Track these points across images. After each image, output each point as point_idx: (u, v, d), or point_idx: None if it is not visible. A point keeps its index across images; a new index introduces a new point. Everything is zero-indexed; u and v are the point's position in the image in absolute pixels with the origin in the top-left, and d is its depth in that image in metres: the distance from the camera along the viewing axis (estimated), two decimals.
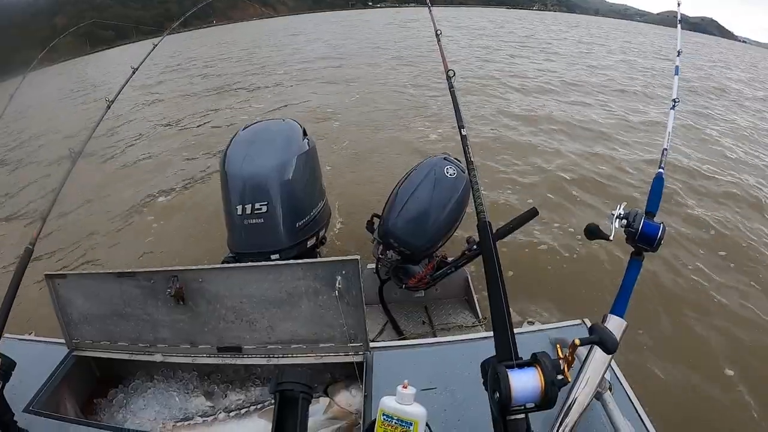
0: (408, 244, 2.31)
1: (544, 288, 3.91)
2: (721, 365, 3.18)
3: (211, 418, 1.60)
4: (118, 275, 1.62)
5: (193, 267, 1.56)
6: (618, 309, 1.24)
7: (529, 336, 1.58)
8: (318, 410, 1.52)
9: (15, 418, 1.28)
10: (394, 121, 8.97)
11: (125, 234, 5.43)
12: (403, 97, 11.04)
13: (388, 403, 0.99)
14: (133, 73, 2.30)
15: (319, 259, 1.49)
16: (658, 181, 1.39)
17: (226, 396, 1.70)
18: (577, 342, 0.84)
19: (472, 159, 1.23)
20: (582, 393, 1.15)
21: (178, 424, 1.59)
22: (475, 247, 2.26)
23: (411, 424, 0.98)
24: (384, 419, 0.99)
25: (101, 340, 1.72)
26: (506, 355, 0.87)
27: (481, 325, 2.53)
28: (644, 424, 1.30)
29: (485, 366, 0.90)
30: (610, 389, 1.27)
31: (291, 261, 1.53)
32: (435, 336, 2.47)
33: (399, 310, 2.70)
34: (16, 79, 2.83)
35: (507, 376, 0.80)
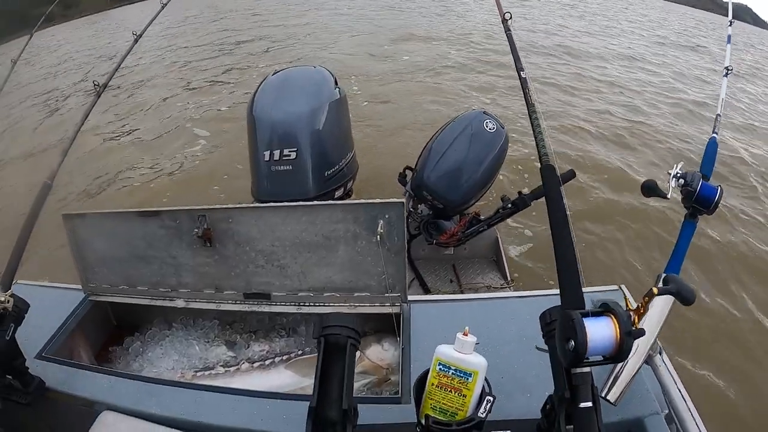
0: (442, 198, 2.22)
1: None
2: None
3: (234, 368, 1.52)
4: (140, 214, 1.51)
5: (222, 206, 1.45)
6: (672, 268, 1.22)
7: None
8: None
9: (27, 364, 1.21)
10: None
11: (146, 174, 5.31)
12: None
13: (446, 351, 0.89)
14: (162, 8, 2.18)
15: (360, 201, 1.37)
16: (712, 144, 1.37)
17: (249, 346, 1.62)
18: (655, 290, 0.78)
19: (532, 102, 1.16)
20: (634, 355, 1.09)
21: (198, 374, 1.51)
22: (510, 205, 2.18)
23: (471, 375, 0.88)
24: (440, 369, 0.89)
25: (120, 285, 1.63)
26: (575, 303, 0.78)
27: (509, 287, 2.47)
28: (682, 395, 1.21)
29: (547, 316, 0.85)
30: (661, 353, 1.21)
31: (329, 201, 1.42)
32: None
33: (426, 267, 2.64)
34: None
35: (582, 323, 0.72)
